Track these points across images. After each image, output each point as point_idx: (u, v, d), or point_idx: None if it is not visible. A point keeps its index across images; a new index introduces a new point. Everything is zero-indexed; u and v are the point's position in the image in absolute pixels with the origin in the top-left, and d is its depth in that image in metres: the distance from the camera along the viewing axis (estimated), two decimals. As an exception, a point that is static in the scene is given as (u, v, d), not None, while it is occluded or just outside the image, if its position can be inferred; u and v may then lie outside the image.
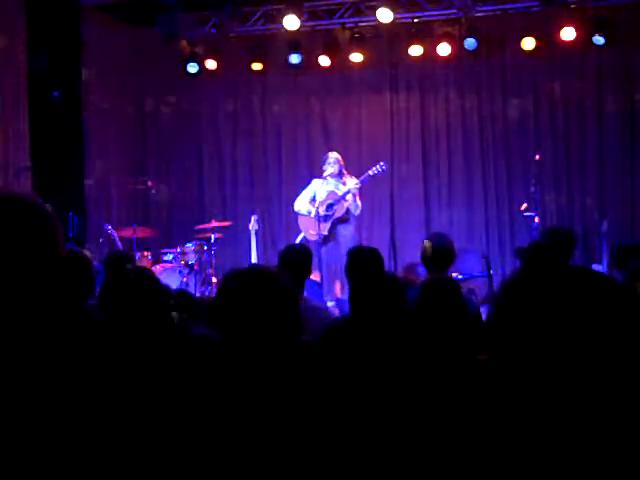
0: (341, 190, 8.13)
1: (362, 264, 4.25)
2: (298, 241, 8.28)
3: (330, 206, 8.13)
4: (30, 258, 1.44)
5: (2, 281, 1.40)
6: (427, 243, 4.63)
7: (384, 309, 2.80)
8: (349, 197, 8.08)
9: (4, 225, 1.42)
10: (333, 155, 8.28)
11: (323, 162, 8.31)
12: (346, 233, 8.17)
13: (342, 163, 8.27)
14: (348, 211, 8.16)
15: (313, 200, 8.20)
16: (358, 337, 2.87)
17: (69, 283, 3.54)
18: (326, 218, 8.13)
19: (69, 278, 3.58)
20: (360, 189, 8.19)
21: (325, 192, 8.16)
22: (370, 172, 8.25)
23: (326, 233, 8.14)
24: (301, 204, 8.30)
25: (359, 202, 8.16)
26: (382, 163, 8.31)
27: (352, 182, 8.12)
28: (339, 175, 8.19)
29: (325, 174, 8.20)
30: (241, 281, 2.51)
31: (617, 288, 1.58)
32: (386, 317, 2.78)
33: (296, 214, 8.48)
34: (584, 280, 1.57)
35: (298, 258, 4.52)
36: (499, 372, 1.65)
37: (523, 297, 1.59)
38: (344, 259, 7.33)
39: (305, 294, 4.55)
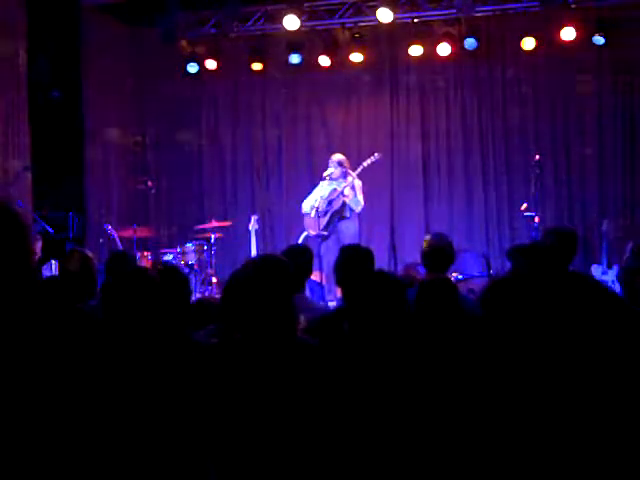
0: (341, 187, 8.21)
1: (351, 263, 4.24)
2: (301, 240, 8.35)
3: (330, 202, 8.22)
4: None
5: None
6: (427, 241, 4.65)
7: (382, 307, 2.80)
8: (347, 191, 8.15)
9: None
10: (335, 158, 8.36)
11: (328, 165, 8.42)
12: (347, 232, 8.22)
13: (346, 165, 8.33)
14: (348, 208, 8.21)
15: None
16: (355, 335, 2.88)
17: (71, 283, 3.55)
18: (325, 213, 8.21)
19: (71, 278, 3.59)
20: (362, 185, 8.28)
21: (328, 191, 8.26)
22: (364, 163, 8.36)
23: (325, 232, 8.19)
24: (307, 204, 8.42)
25: (360, 198, 8.22)
26: (376, 154, 8.41)
27: (350, 178, 8.21)
28: (343, 176, 8.27)
29: (329, 175, 8.29)
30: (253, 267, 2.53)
31: (608, 300, 1.58)
32: (379, 315, 2.79)
33: (296, 213, 8.54)
34: (571, 287, 1.57)
35: (299, 258, 4.52)
36: (486, 368, 1.65)
37: (506, 299, 1.59)
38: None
39: (306, 294, 4.55)
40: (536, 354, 1.57)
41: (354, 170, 8.36)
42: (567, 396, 1.52)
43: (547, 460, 1.52)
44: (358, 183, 8.24)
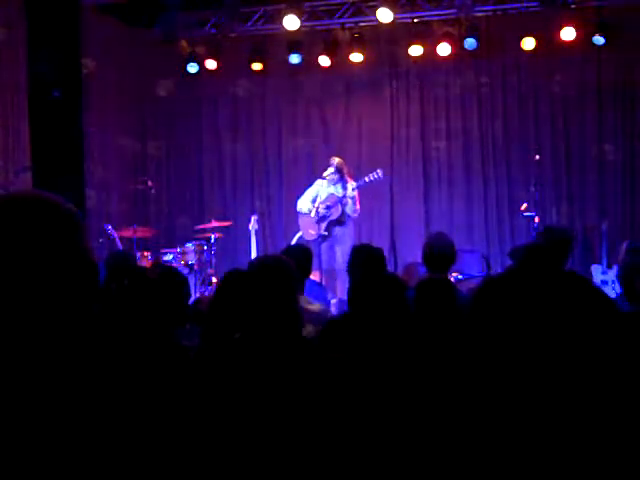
0: (340, 193, 8.22)
1: (363, 262, 4.26)
2: (295, 240, 8.35)
3: (328, 207, 8.23)
4: (52, 259, 1.44)
5: (18, 281, 1.40)
6: (427, 241, 4.67)
7: (382, 306, 2.81)
8: (346, 200, 8.18)
9: (27, 226, 1.42)
10: (334, 161, 8.33)
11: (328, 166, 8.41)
12: (343, 233, 8.25)
13: (344, 170, 8.32)
14: (344, 213, 8.24)
15: (314, 201, 8.29)
16: (356, 334, 2.88)
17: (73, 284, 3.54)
18: (323, 219, 8.22)
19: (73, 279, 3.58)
20: (359, 192, 8.29)
21: (326, 193, 8.27)
22: (366, 178, 8.35)
23: (325, 233, 8.22)
24: (303, 203, 8.39)
25: (358, 206, 8.29)
26: (379, 170, 8.39)
27: (351, 187, 8.22)
28: (341, 180, 8.28)
29: (327, 176, 8.30)
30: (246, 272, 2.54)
31: (598, 300, 1.57)
32: (384, 314, 2.79)
33: (296, 214, 8.51)
34: (565, 287, 1.57)
35: (298, 258, 4.52)
36: (476, 368, 1.65)
37: (500, 296, 1.59)
38: (341, 259, 7.36)
39: (305, 294, 4.55)
40: (522, 353, 1.57)
41: (354, 180, 8.36)
42: (553, 398, 1.52)
43: (545, 461, 1.52)
44: (352, 194, 8.26)
